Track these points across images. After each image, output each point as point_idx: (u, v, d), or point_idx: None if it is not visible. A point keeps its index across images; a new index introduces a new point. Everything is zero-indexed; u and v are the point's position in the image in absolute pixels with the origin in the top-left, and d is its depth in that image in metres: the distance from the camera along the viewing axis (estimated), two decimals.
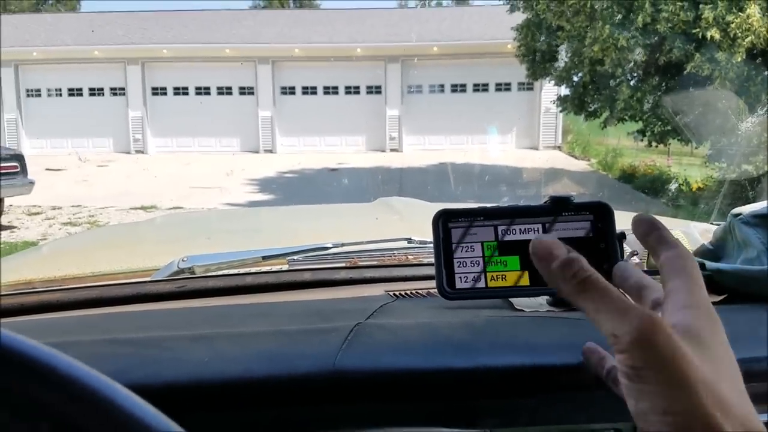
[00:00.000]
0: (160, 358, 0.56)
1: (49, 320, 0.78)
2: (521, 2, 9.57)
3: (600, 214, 0.67)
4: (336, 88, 15.63)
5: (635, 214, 0.42)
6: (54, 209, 8.23)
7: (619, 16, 7.67)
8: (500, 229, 0.67)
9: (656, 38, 7.55)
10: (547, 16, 8.58)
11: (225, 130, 15.52)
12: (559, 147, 15.06)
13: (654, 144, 8.91)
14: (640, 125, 8.80)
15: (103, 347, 0.59)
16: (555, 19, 8.53)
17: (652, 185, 9.36)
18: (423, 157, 13.66)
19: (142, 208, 8.23)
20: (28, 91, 15.85)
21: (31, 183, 7.51)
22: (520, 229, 0.66)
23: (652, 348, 0.31)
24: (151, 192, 9.28)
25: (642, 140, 9.01)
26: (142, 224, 2.04)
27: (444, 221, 0.68)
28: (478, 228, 0.67)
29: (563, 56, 8.78)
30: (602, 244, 0.65)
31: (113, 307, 0.84)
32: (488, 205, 0.70)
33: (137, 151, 15.56)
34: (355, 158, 13.71)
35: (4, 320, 0.79)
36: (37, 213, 8.04)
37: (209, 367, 0.53)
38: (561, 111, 10.59)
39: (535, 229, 0.66)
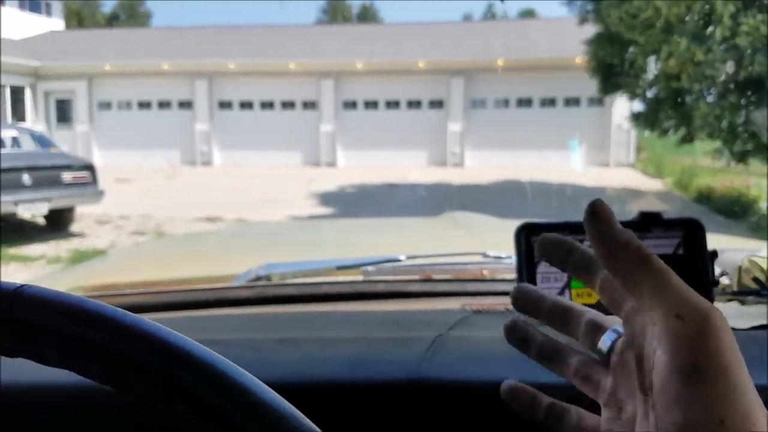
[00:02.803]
0: (251, 358, 0.57)
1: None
2: (592, 15, 9.36)
3: (691, 231, 0.63)
4: (398, 102, 15.69)
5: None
6: (122, 218, 8.47)
7: (697, 30, 7.41)
8: (586, 244, 0.60)
9: (736, 53, 7.24)
10: (620, 29, 8.34)
11: (287, 143, 15.78)
12: (631, 164, 14.60)
13: (734, 163, 8.51)
14: (718, 143, 8.42)
15: None
16: (628, 32, 8.29)
17: (731, 207, 8.91)
18: (486, 173, 13.49)
19: (207, 218, 8.38)
20: (99, 103, 16.60)
21: (101, 192, 7.80)
22: None
23: (719, 341, 0.26)
24: (216, 203, 9.47)
25: (721, 159, 8.62)
26: (213, 234, 2.12)
27: (527, 235, 0.65)
28: None
29: (638, 71, 8.52)
30: (693, 262, 0.62)
31: (197, 311, 0.87)
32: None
33: (203, 163, 16.01)
34: (416, 173, 13.67)
35: None
36: (106, 222, 8.28)
37: (298, 369, 0.55)
38: (634, 127, 10.30)
39: None
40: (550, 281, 0.62)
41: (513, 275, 0.90)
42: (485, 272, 1.04)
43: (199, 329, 0.73)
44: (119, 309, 0.31)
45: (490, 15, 37.58)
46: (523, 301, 0.36)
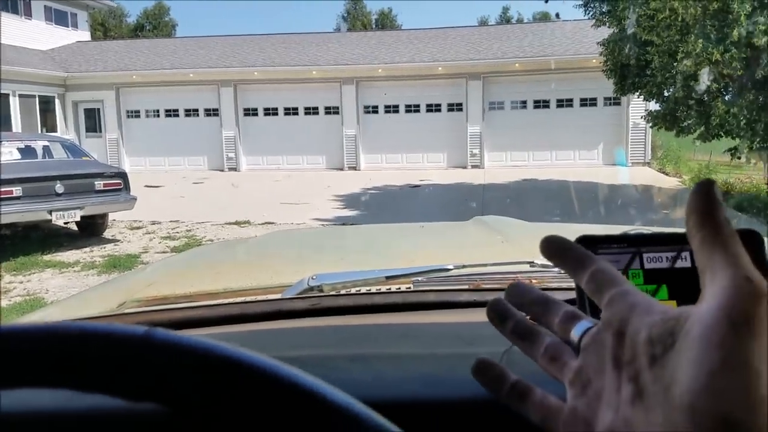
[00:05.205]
0: (329, 378, 0.59)
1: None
2: (607, 17, 9.40)
3: (749, 241, 0.60)
4: (418, 106, 15.80)
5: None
6: (154, 224, 8.65)
7: (713, 30, 7.40)
8: (646, 256, 0.64)
9: (754, 52, 7.24)
10: (637, 30, 8.38)
11: (311, 148, 16.02)
12: (648, 163, 14.55)
13: (754, 162, 8.48)
14: (736, 142, 8.42)
15: None
16: (645, 33, 8.33)
17: (750, 203, 8.89)
18: (505, 173, 13.56)
19: (236, 223, 8.54)
20: (128, 112, 16.88)
21: (133, 199, 7.85)
22: (667, 257, 0.64)
23: None
24: (244, 208, 9.62)
25: (740, 157, 8.60)
26: (251, 241, 2.13)
27: (585, 248, 0.66)
28: (621, 255, 0.64)
29: (655, 71, 8.52)
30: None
31: (254, 324, 0.87)
32: (626, 228, 0.70)
33: (230, 169, 16.24)
34: (437, 175, 13.76)
35: None
36: (139, 227, 8.45)
37: (374, 389, 0.53)
38: (651, 127, 10.26)
39: (684, 256, 0.64)
40: None
41: (563, 284, 0.98)
42: (534, 281, 1.02)
43: (268, 346, 0.72)
44: (240, 349, 0.32)
45: (505, 19, 37.47)
46: (513, 293, 0.39)
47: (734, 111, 7.69)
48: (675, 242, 0.64)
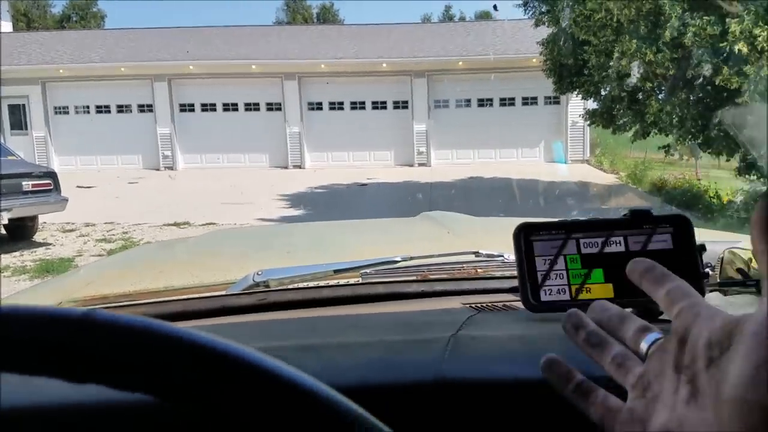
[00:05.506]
0: None
1: None
2: (547, 17, 9.59)
3: (679, 226, 0.67)
4: (363, 103, 15.74)
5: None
6: (87, 226, 8.35)
7: (646, 31, 7.66)
8: (582, 242, 0.68)
9: (684, 52, 7.52)
10: (574, 29, 8.58)
11: (253, 146, 15.68)
12: (587, 160, 15.03)
13: (686, 158, 8.85)
14: (669, 139, 8.76)
15: None
16: (582, 33, 8.53)
17: (682, 198, 9.30)
18: (451, 171, 13.70)
19: (175, 224, 8.32)
20: (56, 108, 16.11)
21: (65, 200, 7.57)
22: (602, 242, 0.67)
23: None
24: (183, 208, 9.38)
25: (673, 154, 8.96)
26: (190, 240, 2.04)
27: (525, 235, 0.69)
28: (559, 241, 0.68)
29: (592, 71, 8.76)
30: (684, 256, 0.66)
31: (199, 320, 0.85)
32: (567, 218, 0.71)
33: (167, 168, 15.75)
34: (384, 173, 13.77)
35: None
36: (71, 230, 8.15)
37: (325, 376, 0.52)
38: (589, 125, 10.56)
39: (618, 241, 0.67)
40: (550, 279, 0.68)
41: (506, 272, 1.02)
42: (479, 270, 1.06)
43: None
44: (191, 330, 0.32)
45: (448, 17, 37.90)
46: (595, 308, 0.43)
47: (667, 109, 7.98)
48: (609, 228, 0.67)
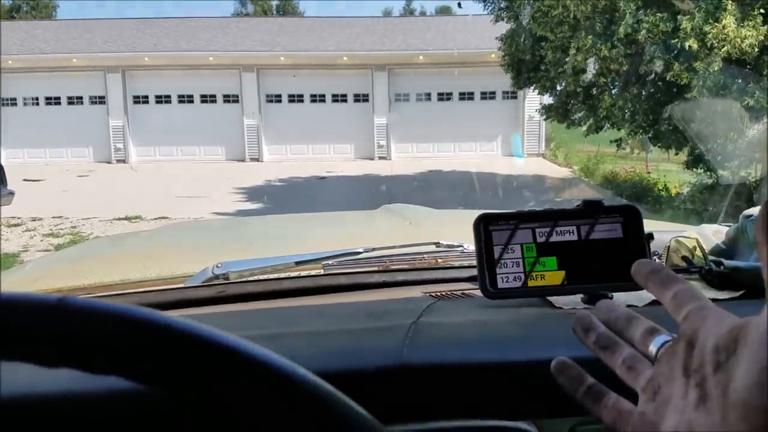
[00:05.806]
0: None
1: None
2: (505, 13, 9.68)
3: (629, 216, 0.70)
4: (323, 96, 15.60)
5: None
6: (34, 220, 8.12)
7: (602, 27, 7.79)
8: (538, 231, 0.70)
9: (637, 48, 7.68)
10: (532, 25, 8.68)
11: (209, 138, 15.36)
12: (542, 154, 15.25)
13: (637, 152, 9.05)
14: (621, 133, 8.95)
15: None
16: (539, 29, 8.64)
17: (632, 190, 9.53)
18: (411, 164, 13.75)
19: (127, 218, 8.13)
20: (3, 100, 15.53)
21: (11, 194, 7.33)
22: (557, 231, 0.70)
23: None
24: (135, 202, 9.16)
25: (624, 148, 9.15)
26: (142, 234, 2.00)
27: (485, 224, 0.72)
28: (517, 231, 0.71)
29: (548, 66, 8.88)
30: (633, 244, 0.68)
31: None
32: (523, 209, 0.74)
33: (119, 161, 15.34)
34: (344, 166, 13.70)
35: None
36: (17, 225, 7.92)
37: None
38: (545, 119, 10.71)
39: (571, 230, 0.70)
40: (507, 267, 0.71)
41: (465, 262, 1.04)
42: (440, 260, 1.07)
43: None
44: (168, 315, 0.32)
45: (408, 11, 37.96)
46: (602, 309, 0.43)
47: (619, 104, 8.14)
48: (563, 218, 0.70)
